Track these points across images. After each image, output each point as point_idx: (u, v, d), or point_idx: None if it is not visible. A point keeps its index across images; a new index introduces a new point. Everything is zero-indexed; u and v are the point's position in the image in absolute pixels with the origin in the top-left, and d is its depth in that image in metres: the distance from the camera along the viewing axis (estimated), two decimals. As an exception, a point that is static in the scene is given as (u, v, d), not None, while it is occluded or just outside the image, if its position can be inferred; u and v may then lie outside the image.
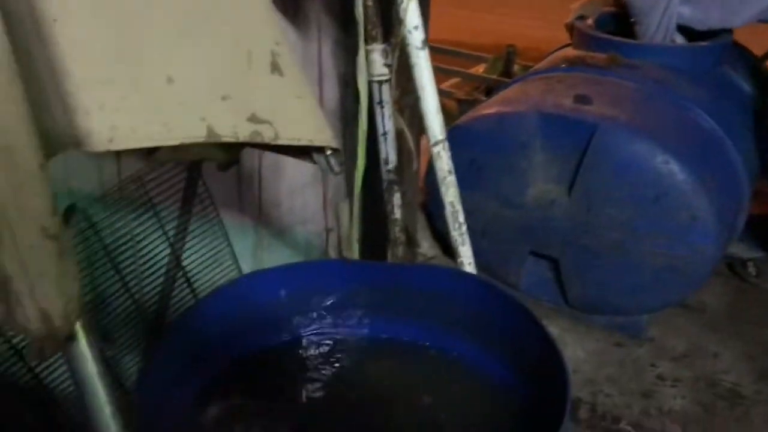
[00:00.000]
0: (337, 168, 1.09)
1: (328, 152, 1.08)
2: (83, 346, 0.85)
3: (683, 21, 2.60)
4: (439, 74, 4.10)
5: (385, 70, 1.75)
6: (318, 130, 1.04)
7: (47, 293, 0.65)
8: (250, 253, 2.03)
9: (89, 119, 0.85)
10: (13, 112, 0.60)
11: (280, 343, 1.72)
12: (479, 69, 4.38)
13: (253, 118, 0.98)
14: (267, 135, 0.99)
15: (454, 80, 4.25)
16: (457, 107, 3.76)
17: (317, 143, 1.04)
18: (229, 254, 1.90)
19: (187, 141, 0.93)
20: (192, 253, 1.82)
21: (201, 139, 0.94)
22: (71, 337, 0.72)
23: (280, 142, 1.00)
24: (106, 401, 0.95)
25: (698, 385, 2.17)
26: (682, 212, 2.10)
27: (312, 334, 1.74)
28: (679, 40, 2.66)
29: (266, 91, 0.99)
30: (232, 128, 0.96)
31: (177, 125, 0.92)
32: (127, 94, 0.88)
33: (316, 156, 1.09)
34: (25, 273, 0.63)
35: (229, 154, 1.30)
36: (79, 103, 0.85)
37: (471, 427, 1.50)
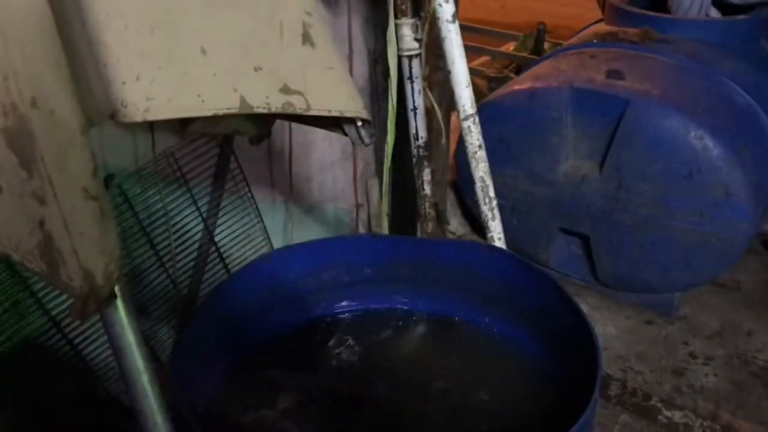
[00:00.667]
0: (367, 139, 1.10)
1: (359, 123, 1.08)
2: (121, 312, 0.87)
3: (718, -6, 2.55)
4: (469, 53, 4.09)
5: (415, 45, 1.74)
6: (349, 101, 1.05)
7: (89, 252, 0.67)
8: (281, 229, 2.05)
9: (125, 90, 0.86)
10: (56, 76, 0.61)
11: (311, 317, 1.74)
12: (509, 47, 4.34)
13: (285, 89, 0.98)
14: (299, 105, 0.99)
15: (484, 59, 4.22)
16: (487, 85, 3.74)
17: (348, 114, 1.05)
18: (260, 230, 1.92)
19: (220, 112, 0.94)
20: (224, 229, 1.85)
21: (234, 110, 0.95)
22: (112, 297, 0.74)
23: (312, 112, 1.01)
24: (144, 368, 0.97)
25: (731, 363, 2.15)
26: (716, 188, 2.07)
27: (343, 308, 1.76)
28: (714, 14, 2.61)
29: (298, 62, 1.00)
30: (264, 99, 0.97)
31: (210, 96, 0.93)
32: (162, 65, 0.90)
33: (346, 127, 1.09)
34: (67, 232, 0.64)
35: (261, 128, 1.32)
36: (116, 73, 0.86)
37: (502, 401, 1.51)
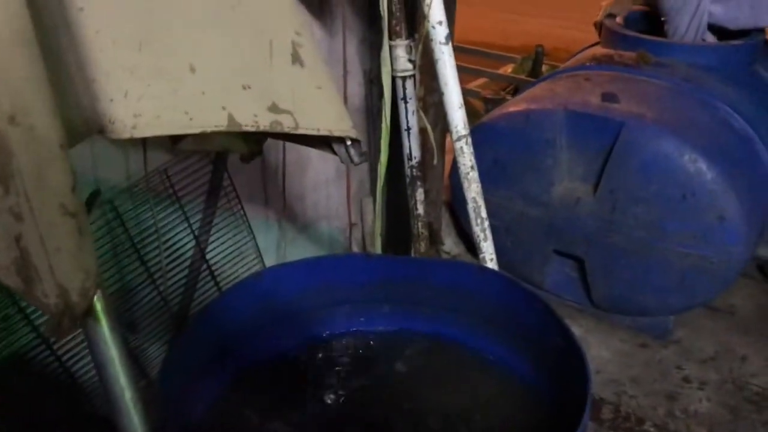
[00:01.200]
0: (356, 158, 1.10)
1: (348, 142, 1.09)
2: (104, 328, 0.86)
3: (714, 20, 2.57)
4: (467, 74, 4.12)
5: (409, 66, 1.75)
6: (338, 120, 1.05)
7: (65, 268, 0.66)
8: (274, 247, 2.05)
9: (113, 106, 0.87)
10: (36, 92, 0.61)
11: (302, 337, 1.73)
12: (507, 69, 4.37)
13: (274, 108, 0.99)
14: (287, 124, 1.00)
15: (482, 80, 4.24)
16: (484, 107, 3.75)
17: (337, 133, 1.05)
18: (253, 248, 1.92)
19: (208, 129, 0.94)
20: (216, 246, 1.84)
21: (222, 128, 0.96)
22: (89, 314, 0.74)
23: (300, 131, 1.01)
24: (127, 385, 0.96)
25: (725, 388, 2.14)
26: (710, 212, 2.07)
27: (335, 327, 1.75)
28: (710, 38, 2.63)
29: (287, 81, 1.00)
30: (252, 117, 0.98)
31: (198, 114, 0.93)
32: (150, 82, 0.90)
33: (336, 146, 1.09)
34: (43, 248, 0.64)
35: (252, 145, 1.32)
36: (104, 90, 0.87)
37: (493, 422, 1.50)
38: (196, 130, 0.93)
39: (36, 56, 0.63)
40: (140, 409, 0.98)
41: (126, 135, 0.87)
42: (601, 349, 2.30)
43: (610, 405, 2.07)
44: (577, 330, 1.82)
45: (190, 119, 0.92)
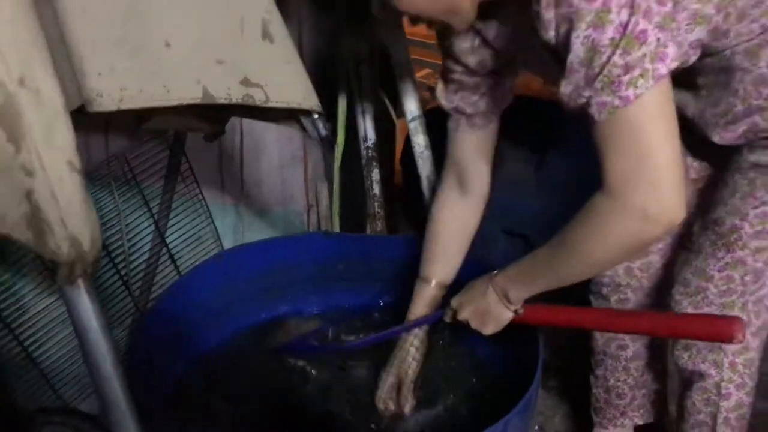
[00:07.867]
0: (324, 131, 1.15)
1: (315, 116, 1.14)
2: (84, 297, 0.89)
3: None
4: (414, 66, 4.15)
5: (364, 49, 1.80)
6: (306, 94, 1.10)
7: (76, 220, 0.71)
8: (232, 231, 2.07)
9: (102, 80, 0.90)
10: (41, 57, 0.65)
11: (264, 317, 1.77)
12: (449, 60, 4.43)
13: (246, 82, 1.03)
14: (258, 98, 1.04)
15: (426, 71, 4.31)
16: (429, 96, 3.82)
17: (305, 106, 1.10)
18: (211, 232, 1.95)
19: (184, 102, 0.98)
20: (175, 231, 1.86)
21: (197, 101, 1.00)
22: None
23: (270, 104, 1.06)
24: (108, 352, 0.99)
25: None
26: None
27: (296, 307, 1.79)
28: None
29: (258, 57, 1.05)
30: (225, 91, 1.02)
31: (175, 87, 0.97)
32: (133, 56, 0.94)
33: (303, 120, 1.14)
34: (55, 202, 0.68)
35: (215, 126, 1.36)
36: (92, 65, 0.90)
37: (447, 388, 1.56)
38: (174, 103, 0.97)
39: (37, 22, 0.66)
40: (121, 376, 1.01)
41: (113, 107, 0.90)
42: (549, 321, 2.38)
43: (559, 373, 2.15)
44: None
45: (168, 92, 0.96)
